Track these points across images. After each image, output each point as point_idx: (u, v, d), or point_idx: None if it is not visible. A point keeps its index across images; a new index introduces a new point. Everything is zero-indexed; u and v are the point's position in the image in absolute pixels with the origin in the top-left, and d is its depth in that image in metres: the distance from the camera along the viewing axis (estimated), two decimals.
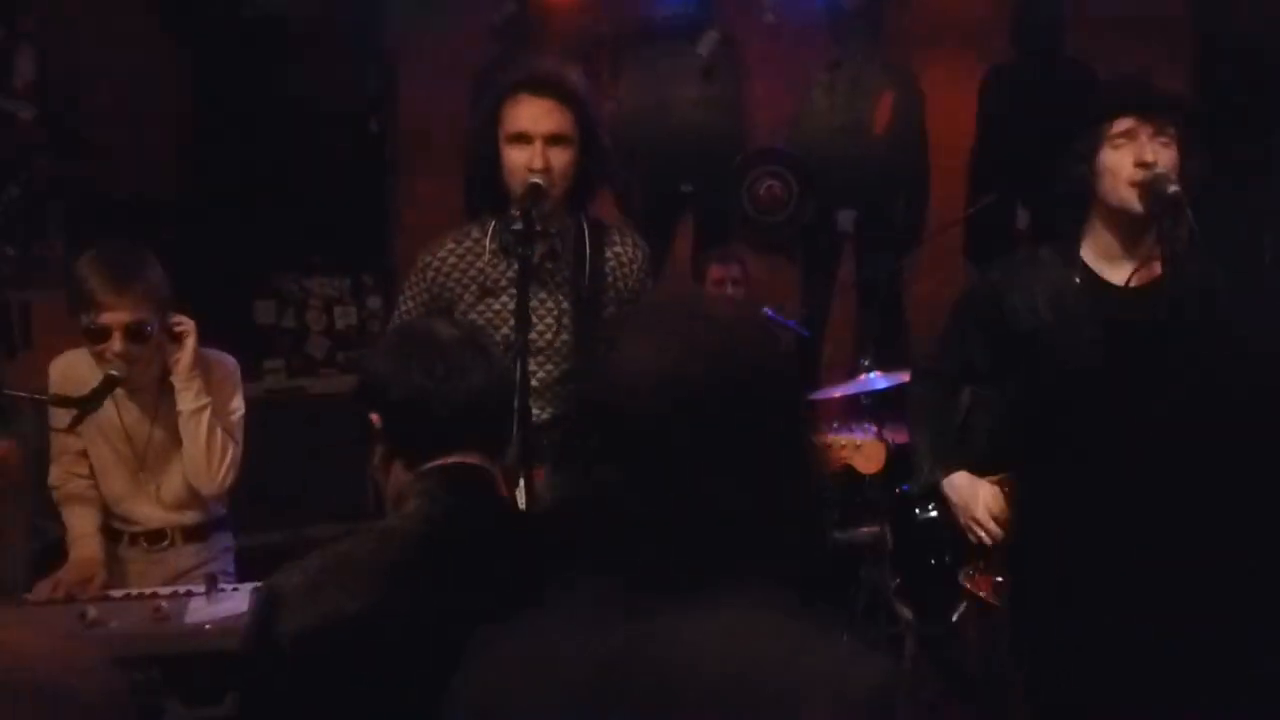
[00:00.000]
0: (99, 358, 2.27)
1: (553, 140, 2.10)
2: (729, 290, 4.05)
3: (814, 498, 1.07)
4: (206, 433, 2.37)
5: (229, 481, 2.43)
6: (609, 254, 2.26)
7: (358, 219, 4.61)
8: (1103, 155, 2.07)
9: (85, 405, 2.23)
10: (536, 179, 2.07)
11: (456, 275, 2.26)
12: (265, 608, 1.37)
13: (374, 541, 1.44)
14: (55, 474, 2.48)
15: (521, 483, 1.91)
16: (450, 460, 1.46)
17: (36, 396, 2.38)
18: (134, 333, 2.24)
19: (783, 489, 0.98)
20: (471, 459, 1.47)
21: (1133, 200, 2.05)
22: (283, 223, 4.55)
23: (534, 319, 2.19)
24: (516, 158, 2.11)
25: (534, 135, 2.09)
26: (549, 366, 2.23)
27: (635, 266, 2.28)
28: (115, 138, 3.82)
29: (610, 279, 2.25)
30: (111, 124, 3.79)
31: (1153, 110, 2.05)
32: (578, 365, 2.22)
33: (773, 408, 1.01)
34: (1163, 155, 2.03)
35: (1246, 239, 4.08)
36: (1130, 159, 2.04)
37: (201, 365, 2.40)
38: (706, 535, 0.95)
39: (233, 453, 2.43)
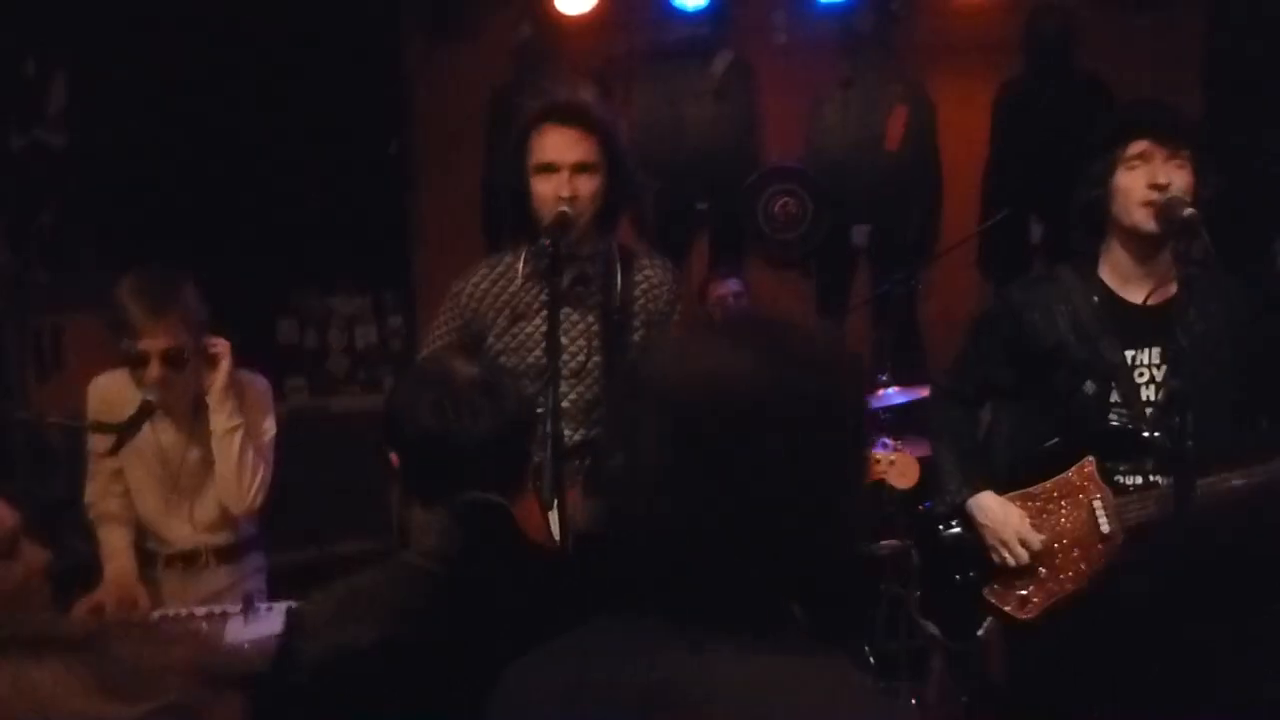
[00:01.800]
0: (138, 382, 2.33)
1: (579, 168, 2.16)
2: (730, 305, 4.09)
3: (860, 537, 1.06)
4: (238, 453, 2.42)
5: (258, 501, 2.48)
6: (639, 277, 2.30)
7: (377, 238, 4.67)
8: (1117, 177, 2.12)
9: (123, 431, 2.28)
10: (564, 207, 2.11)
11: (489, 301, 2.31)
12: (289, 633, 1.42)
13: (393, 576, 1.46)
14: (91, 492, 2.53)
15: (555, 507, 1.94)
16: (467, 498, 1.47)
17: (75, 424, 2.43)
18: (171, 359, 2.30)
19: (835, 522, 0.93)
20: (490, 496, 1.48)
21: (1147, 221, 2.09)
22: (303, 242, 4.62)
23: (565, 341, 2.23)
24: (544, 187, 2.16)
25: (561, 165, 2.15)
26: (580, 389, 2.28)
27: (665, 289, 2.33)
28: (143, 162, 3.88)
29: (641, 302, 2.30)
30: (139, 148, 3.86)
31: (1166, 133, 2.09)
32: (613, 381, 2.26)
33: (838, 433, 0.94)
34: (1176, 177, 2.07)
35: (1256, 248, 4.10)
36: (1144, 181, 2.08)
37: (235, 386, 2.45)
38: (753, 570, 0.91)
39: (263, 473, 2.48)
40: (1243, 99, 4.13)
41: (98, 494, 2.51)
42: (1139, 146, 2.09)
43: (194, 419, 2.46)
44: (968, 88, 4.47)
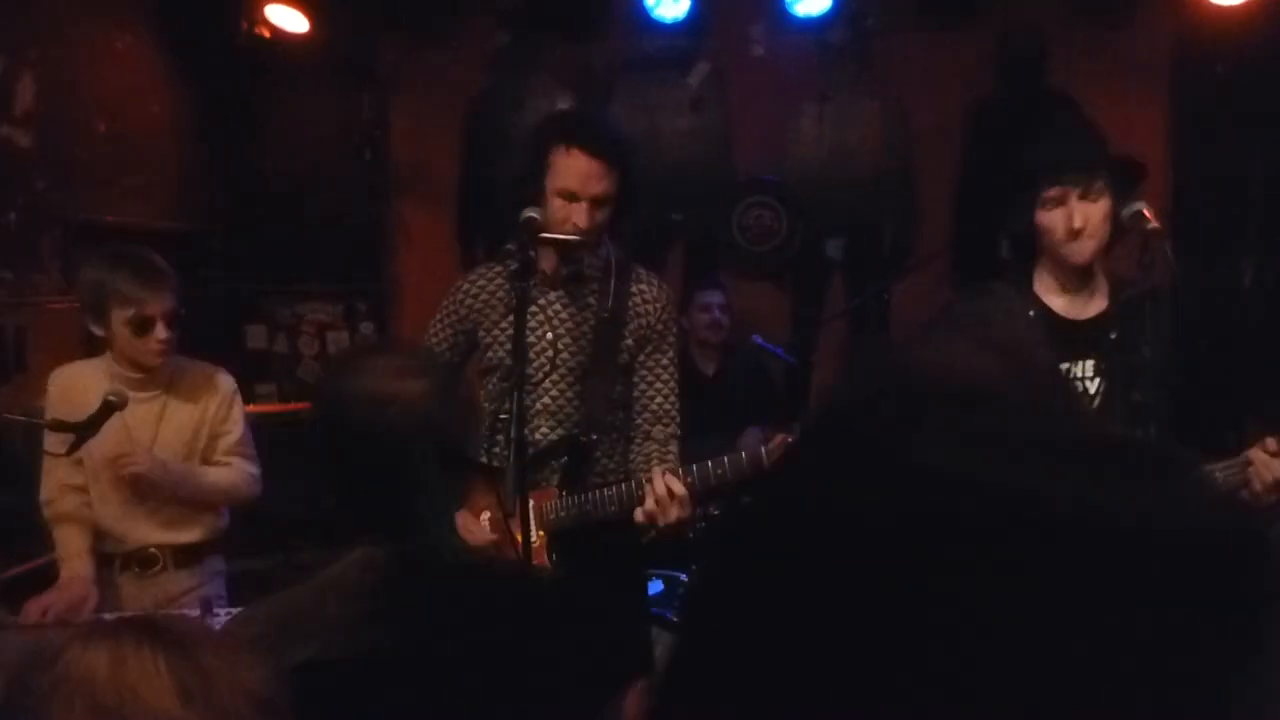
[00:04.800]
0: (143, 352, 2.35)
1: (598, 202, 2.18)
2: (717, 316, 4.10)
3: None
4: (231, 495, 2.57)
5: (258, 489, 2.61)
6: (634, 289, 2.33)
7: (351, 245, 4.66)
8: (1039, 215, 2.15)
9: (83, 430, 2.24)
10: (532, 213, 2.12)
11: (484, 298, 2.34)
12: None
13: (331, 589, 1.38)
14: (48, 488, 2.46)
15: (518, 508, 1.92)
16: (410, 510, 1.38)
17: (33, 421, 2.39)
18: (173, 319, 2.36)
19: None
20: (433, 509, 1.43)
21: (1073, 256, 2.14)
22: (276, 248, 4.60)
23: (553, 337, 2.27)
24: (561, 212, 2.17)
25: (582, 196, 2.16)
26: (561, 385, 2.29)
27: (658, 305, 2.34)
28: (111, 164, 3.86)
29: (633, 312, 2.32)
30: (108, 151, 3.83)
31: (1078, 174, 2.12)
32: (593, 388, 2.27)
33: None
34: (1093, 212, 2.11)
35: (1226, 262, 4.15)
36: (1062, 224, 2.11)
37: (189, 381, 2.48)
38: None
39: (245, 469, 2.55)
40: (1210, 116, 4.20)
41: (54, 491, 2.46)
42: (1054, 190, 2.13)
43: (166, 396, 2.46)
44: (941, 103, 4.51)
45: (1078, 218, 2.10)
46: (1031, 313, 2.21)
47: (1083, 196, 2.11)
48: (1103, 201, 2.12)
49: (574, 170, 2.16)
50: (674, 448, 2.35)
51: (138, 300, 2.30)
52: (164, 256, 2.59)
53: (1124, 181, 2.15)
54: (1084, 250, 2.11)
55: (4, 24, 3.27)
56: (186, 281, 4.31)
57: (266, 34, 4.10)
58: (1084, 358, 2.17)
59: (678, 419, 2.37)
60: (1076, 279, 2.19)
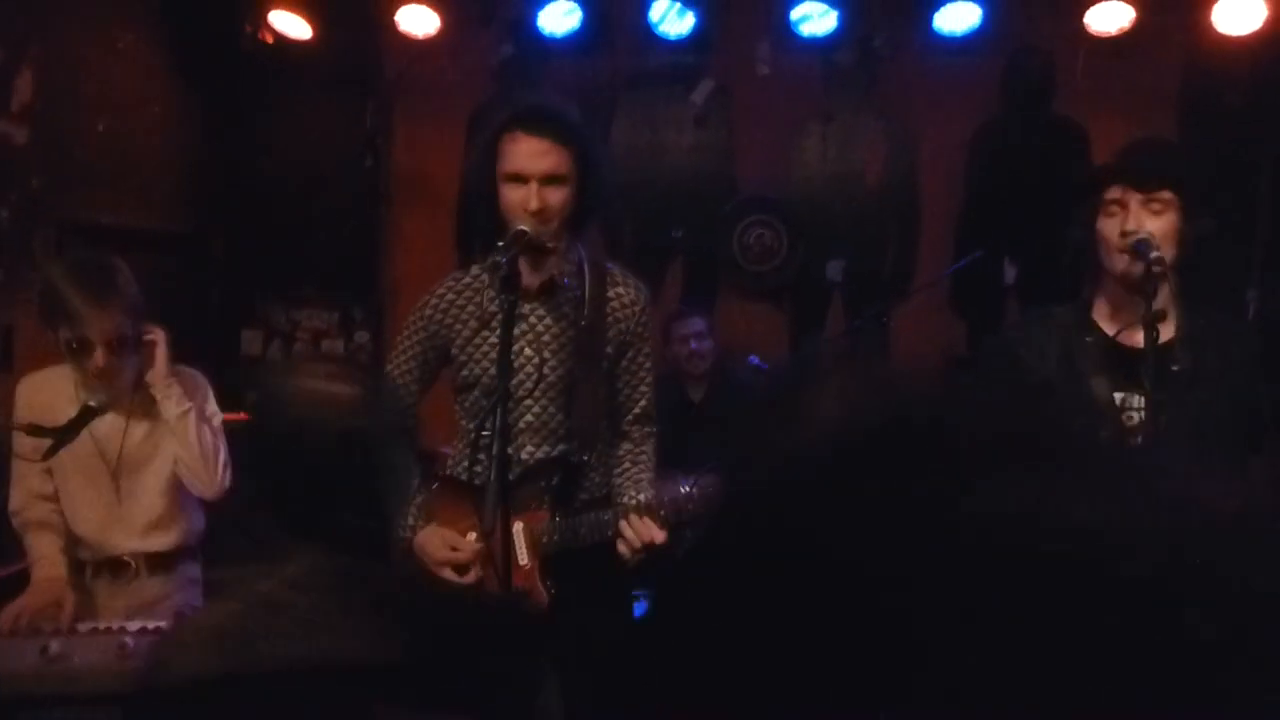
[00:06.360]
0: (81, 371, 2.25)
1: (548, 180, 2.08)
2: (694, 347, 3.91)
3: None
4: (196, 433, 2.36)
5: (227, 481, 2.41)
6: (610, 293, 2.26)
7: (349, 252, 4.63)
8: (1099, 223, 2.09)
9: (61, 436, 2.19)
10: (522, 225, 2.06)
11: (455, 311, 2.26)
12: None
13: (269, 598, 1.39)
14: (17, 498, 2.41)
15: (499, 529, 1.88)
16: None
17: (13, 424, 2.34)
18: (116, 346, 2.22)
19: None
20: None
21: (1123, 265, 2.06)
22: (273, 254, 4.57)
23: (530, 352, 2.20)
24: (513, 196, 2.10)
25: (529, 176, 2.07)
26: (544, 401, 2.22)
27: (637, 308, 2.28)
28: (109, 164, 3.83)
29: (611, 318, 2.25)
30: (106, 150, 3.81)
31: (1140, 177, 2.06)
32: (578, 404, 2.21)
33: None
34: (1152, 222, 2.03)
35: (1230, 294, 4.12)
36: (1119, 228, 2.05)
37: (174, 374, 2.41)
38: None
39: (224, 453, 2.42)
40: (1218, 144, 4.17)
41: (23, 501, 2.41)
42: (1114, 192, 2.06)
43: (132, 410, 2.39)
44: (947, 127, 4.49)
45: (1132, 220, 2.01)
46: (1089, 339, 2.15)
47: (1145, 203, 2.02)
48: (1167, 216, 2.02)
49: (519, 152, 2.08)
50: (649, 447, 2.33)
51: (77, 321, 2.17)
52: (160, 259, 2.54)
53: (1194, 204, 2.05)
54: (1135, 263, 1.99)
55: (4, 17, 3.24)
56: (182, 285, 4.31)
57: (269, 39, 4.08)
58: (1139, 387, 2.08)
59: (654, 415, 2.35)
60: (1129, 303, 2.07)
